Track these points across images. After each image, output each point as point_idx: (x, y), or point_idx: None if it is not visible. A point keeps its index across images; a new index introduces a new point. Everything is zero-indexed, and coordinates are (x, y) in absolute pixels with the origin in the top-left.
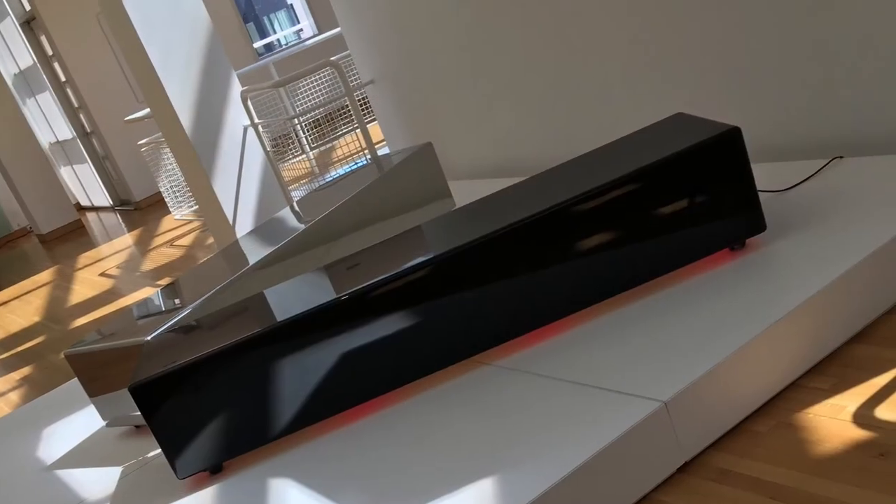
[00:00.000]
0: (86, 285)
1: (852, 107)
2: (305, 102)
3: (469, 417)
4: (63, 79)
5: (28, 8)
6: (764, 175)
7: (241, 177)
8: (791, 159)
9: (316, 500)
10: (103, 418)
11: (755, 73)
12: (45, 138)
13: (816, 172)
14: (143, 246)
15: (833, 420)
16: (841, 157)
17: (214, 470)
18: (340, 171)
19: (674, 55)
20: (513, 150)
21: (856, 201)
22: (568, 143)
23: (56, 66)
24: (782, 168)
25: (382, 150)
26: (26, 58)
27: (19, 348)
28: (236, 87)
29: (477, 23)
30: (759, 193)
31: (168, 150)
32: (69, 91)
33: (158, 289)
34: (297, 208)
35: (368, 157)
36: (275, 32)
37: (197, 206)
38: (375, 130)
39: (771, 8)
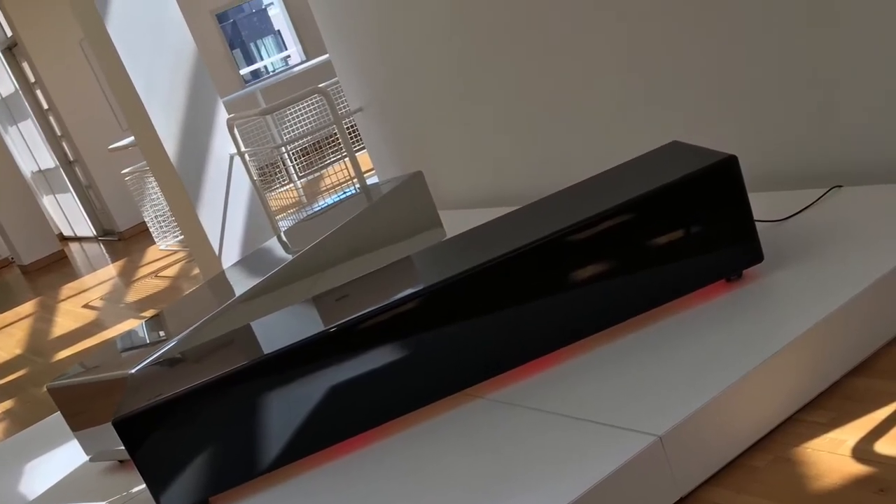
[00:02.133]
0: (69, 317)
1: (851, 135)
2: (293, 130)
3: (460, 452)
4: (45, 106)
5: (9, 34)
6: (762, 204)
7: (227, 206)
8: (790, 188)
9: None
10: (87, 453)
11: (753, 100)
12: (27, 167)
13: (815, 202)
14: (127, 277)
15: (832, 455)
16: (840, 187)
17: None
18: (329, 200)
19: (670, 82)
20: (504, 179)
21: (855, 231)
22: (561, 171)
23: (38, 93)
24: (781, 197)
25: (372, 179)
26: (8, 84)
27: (1, 381)
28: (222, 115)
29: (468, 50)
30: (757, 223)
31: (153, 179)
32: (52, 119)
33: (143, 321)
34: (284, 238)
35: (357, 186)
36: (262, 59)
37: (182, 237)
38: (365, 159)
39: (769, 35)
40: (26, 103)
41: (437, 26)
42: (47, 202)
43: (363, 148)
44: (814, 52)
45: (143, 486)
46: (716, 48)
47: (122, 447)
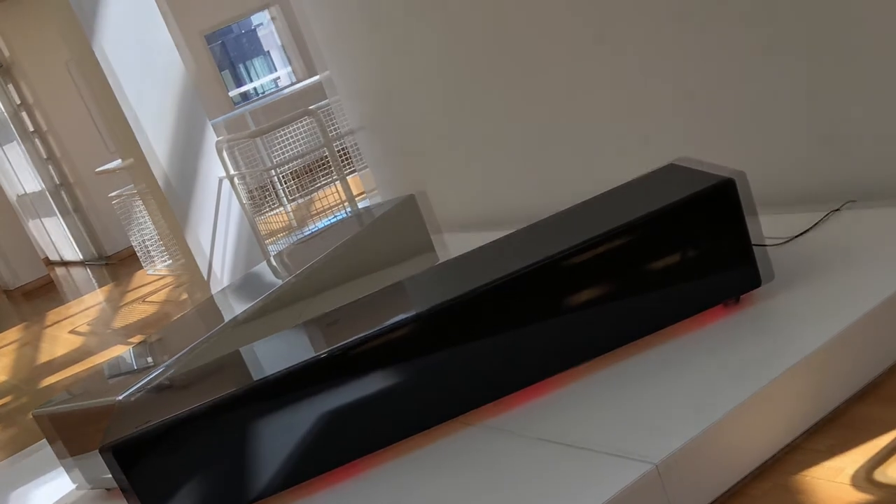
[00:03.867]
0: (55, 343)
1: (859, 155)
2: (283, 153)
3: (453, 480)
4: (32, 129)
5: None
6: (767, 225)
7: (216, 230)
8: (795, 207)
9: None
10: (74, 481)
11: (760, 119)
12: (12, 190)
13: (818, 223)
14: (114, 302)
15: (831, 483)
16: (847, 207)
17: None
18: (320, 224)
19: (676, 101)
20: (502, 201)
21: (858, 253)
22: (560, 192)
23: (24, 115)
24: (786, 218)
25: (364, 203)
26: None
27: None
28: (212, 138)
29: (468, 72)
30: (760, 244)
31: (140, 202)
32: (38, 142)
33: (130, 347)
34: (274, 263)
35: (349, 209)
36: (251, 80)
37: (170, 261)
38: (356, 181)
39: (778, 51)
40: (12, 126)
41: (438, 46)
42: (33, 226)
43: (354, 171)
44: (825, 68)
45: None
46: (723, 64)
47: (110, 475)
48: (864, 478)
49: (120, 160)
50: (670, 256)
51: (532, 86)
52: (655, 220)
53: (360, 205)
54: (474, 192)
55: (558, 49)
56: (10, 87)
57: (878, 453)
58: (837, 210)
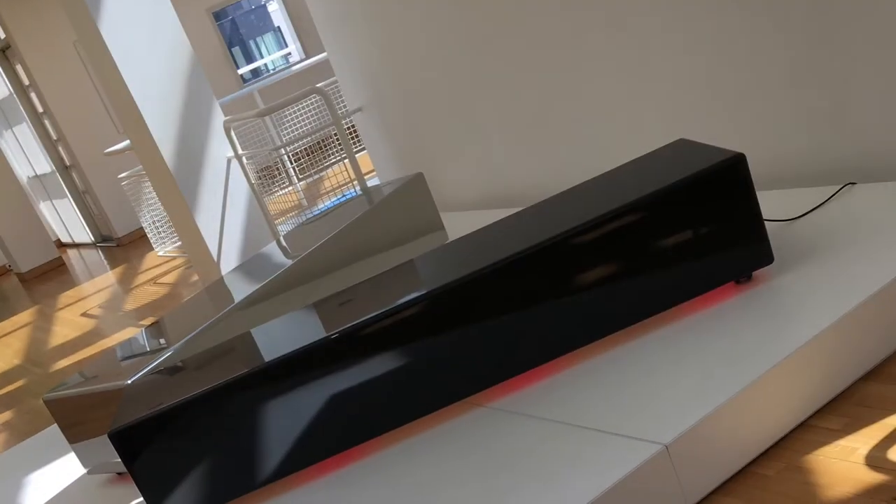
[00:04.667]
0: (67, 326)
1: (864, 132)
2: (292, 132)
3: (463, 461)
4: (41, 110)
5: (2, 35)
6: (772, 203)
7: (225, 211)
8: (802, 186)
9: None
10: (84, 465)
11: (762, 96)
12: (23, 172)
13: (827, 200)
14: (125, 284)
15: (844, 462)
16: (853, 184)
17: None
18: (329, 203)
19: (677, 78)
20: (507, 180)
21: (869, 230)
22: (565, 171)
23: (33, 96)
24: (792, 196)
25: (373, 181)
26: (2, 88)
27: None
28: (219, 117)
29: (469, 49)
30: (767, 223)
31: (149, 183)
32: (47, 122)
33: (142, 329)
34: (284, 243)
35: (358, 188)
36: (262, 57)
37: (180, 242)
38: (366, 160)
39: (779, 28)
40: (21, 107)
41: (437, 24)
42: (44, 208)
43: (363, 149)
44: (826, 45)
45: (141, 499)
46: (724, 42)
47: (120, 459)
48: (878, 457)
49: (128, 141)
50: (682, 233)
51: (535, 64)
52: (667, 196)
53: (370, 183)
54: (476, 173)
55: (560, 28)
56: (19, 67)
57: (891, 432)
58: (840, 190)
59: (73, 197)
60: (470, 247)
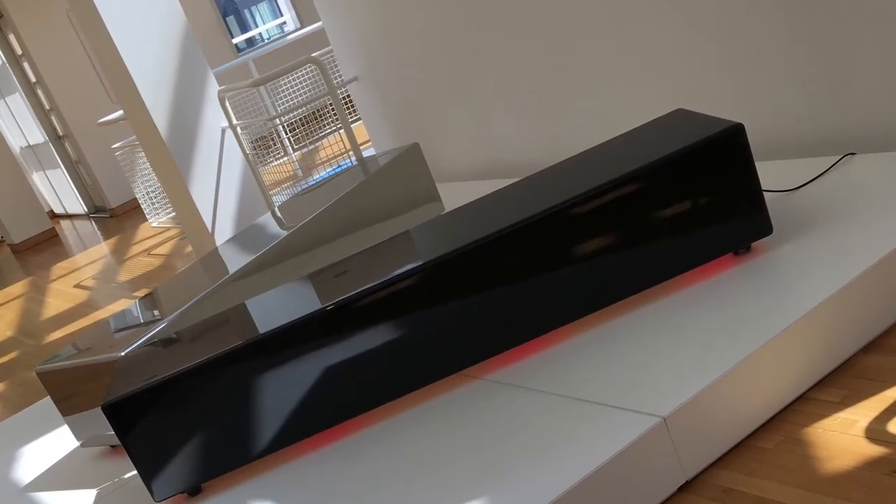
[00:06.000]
0: (60, 297)
1: (864, 101)
2: (287, 101)
3: (460, 434)
4: (33, 79)
5: None
6: (771, 174)
7: (219, 181)
8: (800, 156)
9: None
10: (77, 438)
11: (760, 65)
12: (15, 143)
13: (827, 170)
14: (119, 255)
15: (843, 435)
16: (853, 154)
17: (193, 492)
18: (324, 173)
19: (675, 47)
20: (503, 150)
21: (868, 201)
22: (562, 141)
23: (26, 65)
24: (790, 166)
25: (369, 151)
26: None
27: None
28: (213, 87)
29: (467, 18)
30: (766, 194)
31: (143, 154)
32: (40, 92)
33: (136, 300)
34: (279, 214)
35: (354, 158)
36: (256, 26)
37: (174, 213)
38: (361, 130)
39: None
40: (13, 77)
41: None
42: (37, 178)
43: (358, 119)
44: (823, 15)
45: (135, 472)
46: (723, 11)
47: (113, 432)
48: (877, 430)
49: (122, 111)
50: (680, 203)
51: (532, 34)
52: (664, 166)
53: (365, 153)
54: (472, 143)
55: None
56: (11, 37)
57: (891, 405)
58: (840, 161)
59: (66, 167)
60: (466, 218)
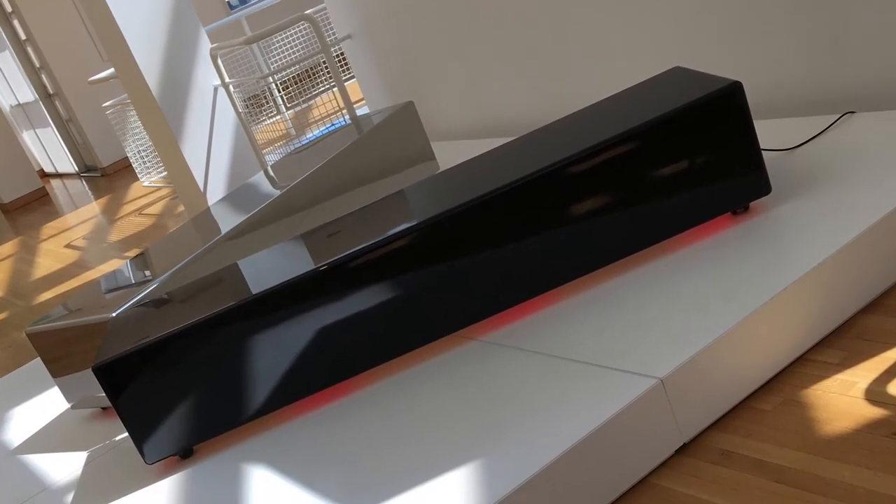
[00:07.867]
0: (51, 257)
1: (864, 59)
2: (280, 60)
3: (454, 395)
4: (23, 37)
5: None
6: (769, 133)
7: (211, 140)
8: (799, 115)
9: (291, 486)
10: (68, 400)
11: (759, 22)
12: (5, 101)
13: (826, 129)
14: (110, 215)
15: (843, 397)
16: (853, 113)
17: (185, 454)
18: (318, 132)
19: (673, 4)
20: (499, 109)
21: (868, 160)
22: (558, 99)
23: (16, 23)
24: (789, 125)
25: (363, 110)
26: None
27: None
28: (205, 44)
29: None
30: (764, 153)
31: (135, 112)
32: (30, 50)
33: (127, 260)
34: (271, 173)
35: (347, 117)
36: None
37: (166, 172)
38: (355, 88)
39: None
40: (3, 34)
41: None
42: (27, 137)
43: (352, 77)
44: None
45: (126, 434)
46: None
47: (104, 394)
48: (877, 391)
49: (113, 69)
50: (677, 162)
51: None
52: (662, 125)
53: (359, 112)
54: (467, 102)
55: None
56: None
57: (891, 366)
58: (839, 119)
59: (56, 126)
60: (461, 177)
